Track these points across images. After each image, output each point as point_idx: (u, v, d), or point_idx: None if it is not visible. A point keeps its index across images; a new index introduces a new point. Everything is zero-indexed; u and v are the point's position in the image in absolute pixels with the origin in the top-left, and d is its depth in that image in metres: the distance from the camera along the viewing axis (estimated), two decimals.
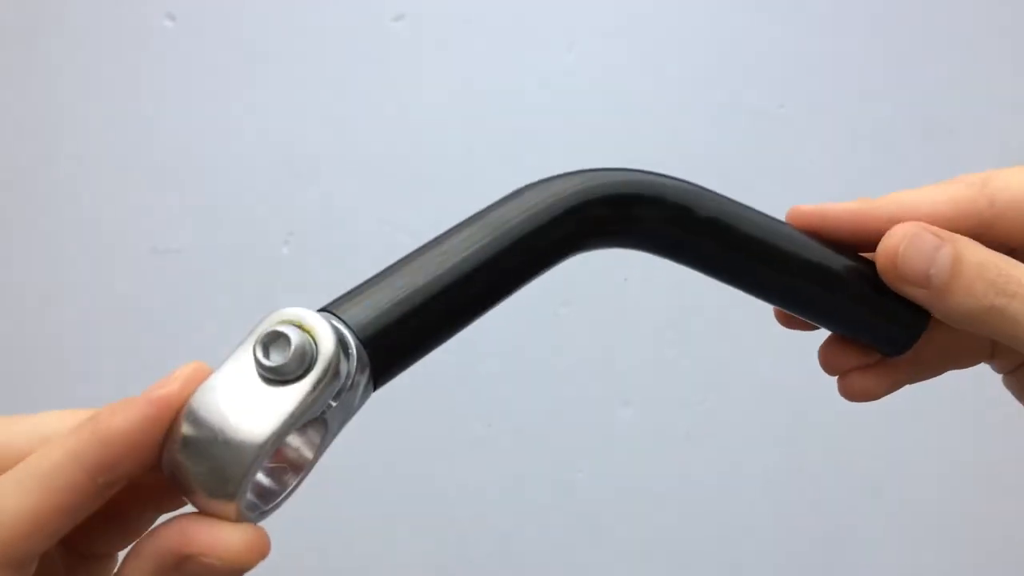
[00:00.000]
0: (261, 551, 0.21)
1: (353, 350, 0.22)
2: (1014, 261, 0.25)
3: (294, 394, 0.21)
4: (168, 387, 0.22)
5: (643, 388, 0.76)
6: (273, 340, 0.21)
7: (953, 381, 0.32)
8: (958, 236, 0.26)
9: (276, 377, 0.21)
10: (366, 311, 0.23)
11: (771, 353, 0.74)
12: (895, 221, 0.27)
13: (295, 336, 0.21)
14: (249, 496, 0.21)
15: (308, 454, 0.23)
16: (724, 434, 0.76)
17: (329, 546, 0.78)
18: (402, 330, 0.23)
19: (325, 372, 0.21)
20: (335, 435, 0.23)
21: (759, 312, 0.33)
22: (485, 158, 0.76)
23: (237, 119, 0.76)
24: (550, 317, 0.75)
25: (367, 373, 0.23)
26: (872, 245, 0.27)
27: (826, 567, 0.77)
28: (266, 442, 0.20)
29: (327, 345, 0.21)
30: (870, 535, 0.77)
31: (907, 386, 0.30)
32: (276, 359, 0.21)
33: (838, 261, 0.28)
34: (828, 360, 0.31)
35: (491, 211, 0.25)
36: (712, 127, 0.75)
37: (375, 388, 0.24)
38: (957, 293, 0.25)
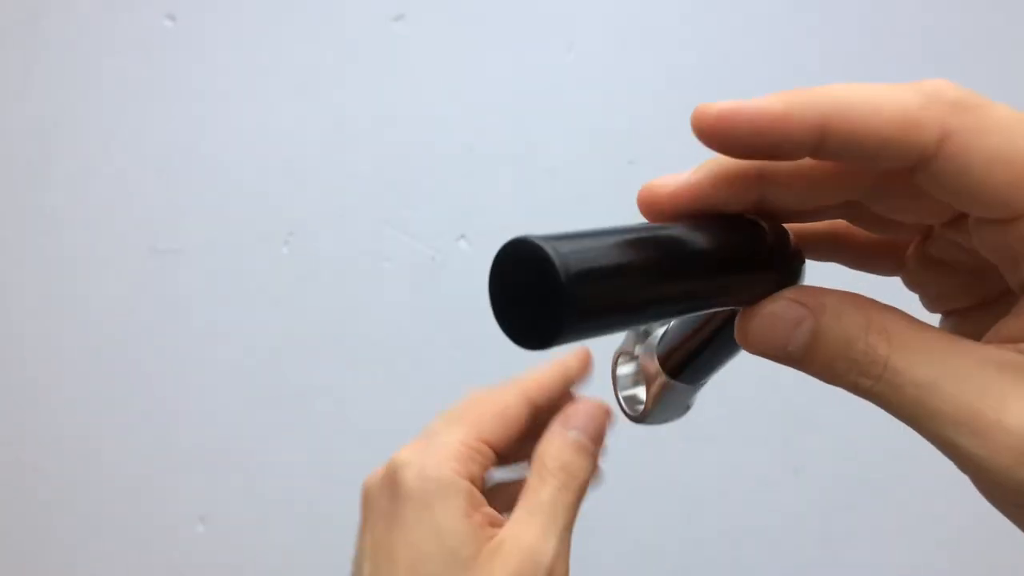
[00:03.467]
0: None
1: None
2: (898, 329, 0.21)
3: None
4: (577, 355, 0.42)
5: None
6: None
7: None
8: (828, 303, 0.21)
9: None
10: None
11: None
12: (824, 121, 0.21)
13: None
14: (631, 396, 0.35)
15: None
16: (724, 434, 0.76)
17: (330, 547, 0.78)
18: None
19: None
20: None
21: None
22: (485, 158, 0.76)
23: (237, 119, 0.76)
24: None
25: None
26: (795, 152, 0.22)
27: (826, 567, 0.77)
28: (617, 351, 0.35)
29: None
30: (871, 535, 0.77)
31: None
32: None
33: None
34: None
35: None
36: None
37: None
38: (814, 368, 0.22)
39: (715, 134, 0.22)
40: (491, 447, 0.36)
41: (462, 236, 0.75)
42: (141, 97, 0.76)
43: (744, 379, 0.77)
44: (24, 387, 0.76)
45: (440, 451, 0.34)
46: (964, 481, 0.30)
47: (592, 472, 0.36)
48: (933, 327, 0.22)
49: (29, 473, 0.76)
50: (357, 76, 0.76)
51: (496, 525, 0.33)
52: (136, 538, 0.75)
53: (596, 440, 0.37)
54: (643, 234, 0.23)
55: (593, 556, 0.77)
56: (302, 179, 0.76)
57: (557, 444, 0.35)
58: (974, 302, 0.25)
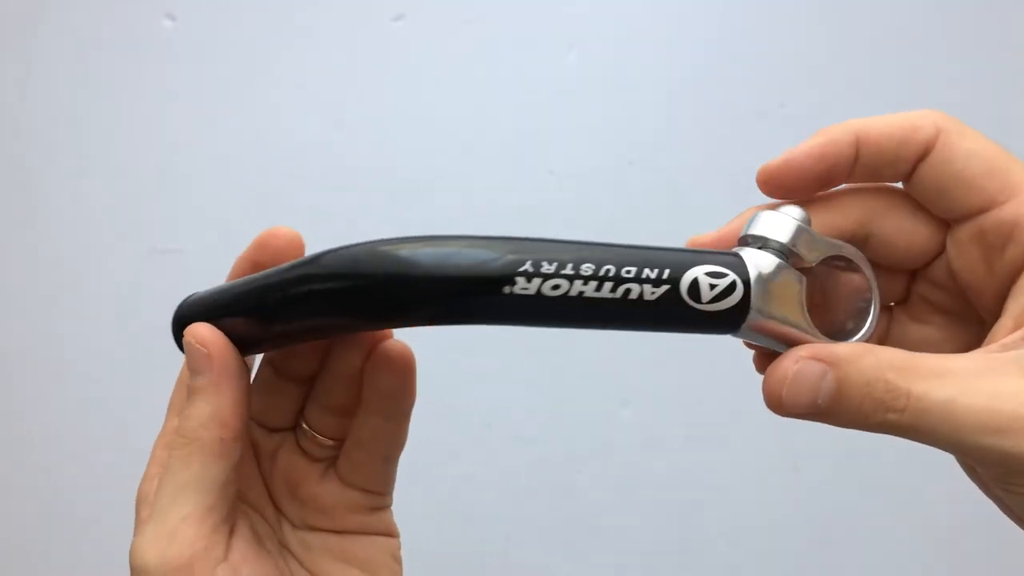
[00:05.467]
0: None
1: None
2: (910, 364, 0.24)
3: None
4: None
5: (643, 388, 0.76)
6: None
7: None
8: (845, 356, 0.24)
9: None
10: None
11: None
12: (857, 135, 0.27)
13: None
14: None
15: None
16: (724, 434, 0.76)
17: None
18: None
19: None
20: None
21: None
22: (484, 158, 0.76)
23: (237, 119, 0.76)
24: None
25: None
26: (836, 178, 0.28)
27: (826, 566, 0.77)
28: None
29: None
30: (869, 534, 0.77)
31: None
32: None
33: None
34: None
35: None
36: (712, 127, 0.75)
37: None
38: (844, 416, 0.25)
39: (780, 181, 0.28)
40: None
41: None
42: (141, 97, 0.76)
43: (743, 378, 0.76)
44: (24, 387, 0.76)
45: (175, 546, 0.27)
46: (964, 480, 0.30)
47: (221, 418, 0.27)
48: (927, 354, 0.25)
49: (28, 473, 0.76)
50: (357, 76, 0.76)
51: None
52: None
53: (208, 367, 0.27)
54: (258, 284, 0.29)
55: (593, 556, 0.77)
56: (302, 179, 0.76)
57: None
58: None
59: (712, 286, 0.26)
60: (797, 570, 0.77)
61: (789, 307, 0.27)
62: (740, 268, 0.26)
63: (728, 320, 0.27)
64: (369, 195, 0.75)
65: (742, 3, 0.76)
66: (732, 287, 0.26)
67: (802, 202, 0.28)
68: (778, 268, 0.27)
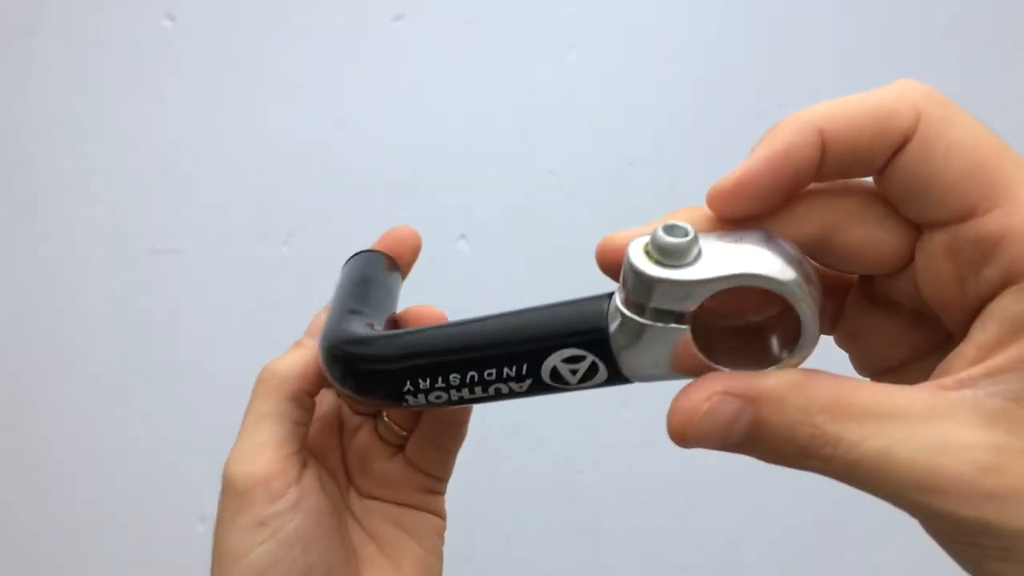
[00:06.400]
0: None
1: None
2: (846, 402, 0.20)
3: None
4: None
5: (643, 388, 0.76)
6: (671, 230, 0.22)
7: None
8: (768, 394, 0.21)
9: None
10: None
11: None
12: (822, 127, 0.22)
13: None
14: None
15: None
16: None
17: None
18: None
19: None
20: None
21: None
22: (484, 158, 0.76)
23: (237, 119, 0.76)
24: None
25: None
26: (799, 186, 0.22)
27: (825, 566, 0.77)
28: None
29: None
30: (869, 534, 0.77)
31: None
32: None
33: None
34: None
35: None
36: (712, 127, 0.75)
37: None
38: (758, 455, 0.22)
39: (737, 198, 0.23)
40: (304, 407, 0.34)
41: (462, 236, 0.75)
42: (141, 97, 0.76)
43: None
44: (24, 386, 0.76)
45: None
46: None
47: (305, 372, 0.33)
48: (870, 384, 0.21)
49: (29, 473, 0.76)
50: (357, 76, 0.76)
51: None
52: (136, 538, 0.75)
53: (312, 332, 0.36)
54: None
55: (593, 556, 0.77)
56: (302, 179, 0.76)
57: None
58: (907, 355, 0.25)
59: (573, 371, 0.25)
60: (797, 570, 0.77)
61: (672, 360, 0.23)
62: (600, 345, 0.24)
63: (611, 384, 0.25)
64: (369, 195, 0.75)
65: (742, 3, 0.76)
66: (594, 369, 0.25)
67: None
68: (640, 331, 0.23)
